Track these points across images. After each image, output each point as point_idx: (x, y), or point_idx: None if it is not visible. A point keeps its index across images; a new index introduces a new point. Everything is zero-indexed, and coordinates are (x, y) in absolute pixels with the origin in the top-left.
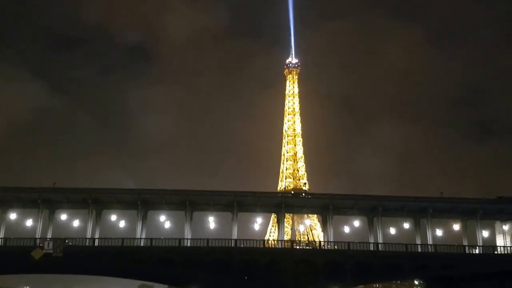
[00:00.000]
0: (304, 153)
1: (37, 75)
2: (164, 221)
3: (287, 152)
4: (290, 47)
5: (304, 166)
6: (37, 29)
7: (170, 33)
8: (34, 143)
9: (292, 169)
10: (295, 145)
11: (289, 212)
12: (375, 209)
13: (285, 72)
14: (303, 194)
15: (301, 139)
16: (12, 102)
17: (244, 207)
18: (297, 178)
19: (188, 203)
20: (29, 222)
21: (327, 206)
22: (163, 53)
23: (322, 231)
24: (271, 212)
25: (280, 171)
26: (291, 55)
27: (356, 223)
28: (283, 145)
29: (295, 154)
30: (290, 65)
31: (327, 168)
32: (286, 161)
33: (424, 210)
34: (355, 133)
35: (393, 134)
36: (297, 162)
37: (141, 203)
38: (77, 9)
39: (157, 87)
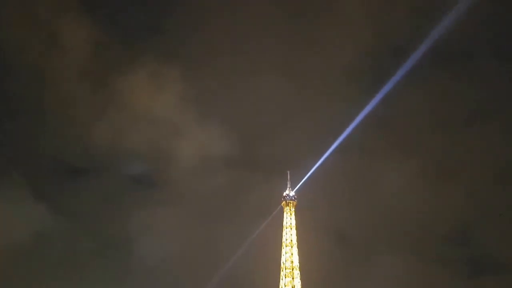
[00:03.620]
0: (302, 287)
1: (39, 197)
2: None
3: (285, 286)
4: (287, 179)
5: None
6: (43, 156)
7: (177, 157)
8: (29, 267)
9: None
10: (293, 278)
11: None
12: None
13: (282, 204)
14: None
15: (299, 272)
16: (11, 225)
17: None
18: None
19: None
20: None
21: None
22: (167, 177)
23: None
24: None
25: None
26: (288, 188)
27: None
28: (281, 277)
29: None
30: (287, 197)
31: None
32: None
33: None
34: (354, 264)
35: (394, 266)
36: None
37: None
38: (85, 139)
39: (160, 209)
